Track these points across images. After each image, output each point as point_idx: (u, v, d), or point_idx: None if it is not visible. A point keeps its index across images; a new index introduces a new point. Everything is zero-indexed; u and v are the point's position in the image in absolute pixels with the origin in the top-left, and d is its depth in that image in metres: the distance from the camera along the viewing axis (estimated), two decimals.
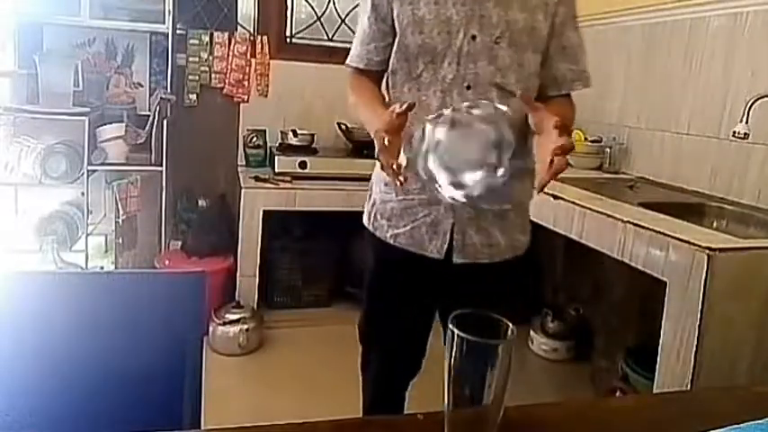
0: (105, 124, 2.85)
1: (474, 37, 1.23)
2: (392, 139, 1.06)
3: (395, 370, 1.56)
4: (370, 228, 1.45)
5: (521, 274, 1.47)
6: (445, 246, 1.33)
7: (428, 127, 1.05)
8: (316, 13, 3.51)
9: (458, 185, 1.06)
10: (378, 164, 1.37)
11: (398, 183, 1.05)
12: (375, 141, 1.09)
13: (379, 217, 1.42)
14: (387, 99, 1.39)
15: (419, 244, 1.35)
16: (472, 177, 1.05)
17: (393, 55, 1.33)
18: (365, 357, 1.60)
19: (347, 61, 1.42)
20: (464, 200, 1.07)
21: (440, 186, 1.06)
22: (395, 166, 1.04)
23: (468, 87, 1.24)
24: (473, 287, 1.33)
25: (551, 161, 1.02)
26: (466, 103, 1.10)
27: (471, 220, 1.32)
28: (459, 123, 1.05)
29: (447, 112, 1.06)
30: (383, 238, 1.41)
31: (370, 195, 1.48)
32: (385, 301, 1.49)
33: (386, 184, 1.40)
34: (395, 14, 1.29)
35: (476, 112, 1.05)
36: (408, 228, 1.36)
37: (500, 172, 1.04)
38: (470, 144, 1.06)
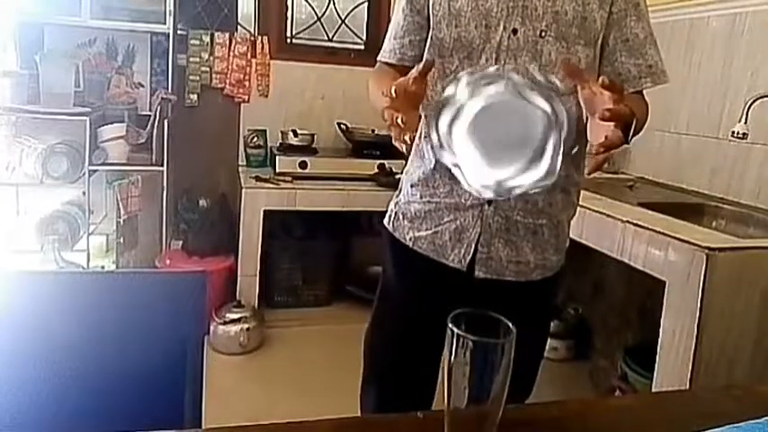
0: (106, 124, 2.85)
1: (515, 31, 1.12)
2: (404, 98, 0.93)
3: (401, 393, 1.36)
4: (390, 227, 1.34)
5: (548, 297, 1.35)
6: (468, 257, 1.21)
7: (464, 81, 0.78)
8: (316, 13, 3.52)
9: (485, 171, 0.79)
10: (409, 165, 1.33)
11: (404, 144, 0.92)
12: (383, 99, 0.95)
13: (401, 217, 1.32)
14: None
15: (440, 251, 1.24)
16: (512, 165, 0.76)
17: (426, 50, 1.23)
18: (366, 374, 1.44)
19: (378, 57, 1.32)
20: (485, 190, 0.78)
21: (459, 165, 0.80)
22: (400, 121, 0.90)
23: None
24: (493, 308, 1.12)
25: (606, 136, 0.87)
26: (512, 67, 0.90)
27: (500, 231, 1.20)
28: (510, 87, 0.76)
29: (492, 69, 0.80)
30: (402, 239, 1.30)
31: (397, 195, 1.37)
32: (397, 307, 1.37)
33: (412, 186, 1.29)
34: (431, 6, 1.20)
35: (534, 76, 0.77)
36: (431, 232, 1.25)
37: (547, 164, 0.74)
38: (521, 119, 0.76)
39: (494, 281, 1.23)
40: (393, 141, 0.96)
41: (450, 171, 1.12)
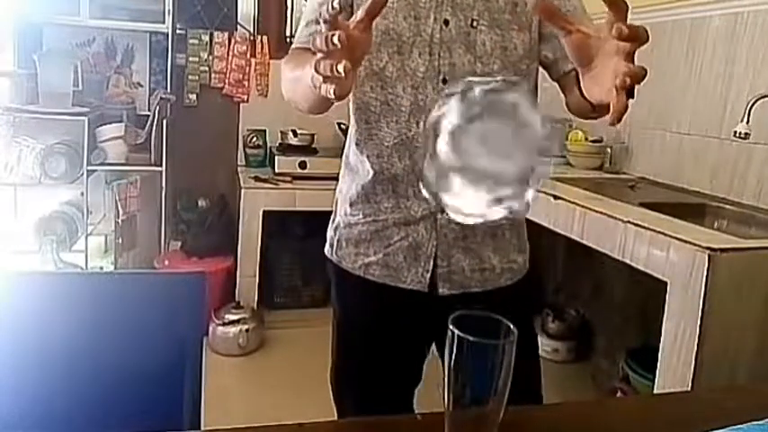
0: (105, 124, 2.85)
1: (446, 22, 1.05)
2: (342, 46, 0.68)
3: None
4: (334, 258, 1.21)
5: (522, 302, 1.23)
6: (428, 274, 1.11)
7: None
8: None
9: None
10: (341, 182, 1.22)
11: (331, 92, 0.70)
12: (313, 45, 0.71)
13: (344, 244, 1.19)
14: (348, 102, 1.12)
15: (395, 274, 1.12)
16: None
17: None
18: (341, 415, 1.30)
19: (293, 45, 1.14)
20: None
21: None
22: (337, 39, 0.68)
23: (445, 81, 1.05)
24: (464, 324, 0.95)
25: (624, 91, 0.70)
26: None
27: (458, 240, 1.10)
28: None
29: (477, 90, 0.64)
30: (350, 269, 1.18)
31: (333, 219, 1.24)
32: (359, 352, 1.24)
33: (351, 204, 1.17)
34: None
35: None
36: (381, 255, 1.13)
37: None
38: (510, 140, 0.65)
39: (460, 296, 1.11)
40: (319, 86, 0.72)
41: (391, 182, 1.06)
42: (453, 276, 1.12)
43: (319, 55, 0.70)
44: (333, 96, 0.71)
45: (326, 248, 1.24)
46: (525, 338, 1.25)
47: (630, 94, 0.71)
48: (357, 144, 1.14)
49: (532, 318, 1.35)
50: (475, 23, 1.05)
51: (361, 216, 1.15)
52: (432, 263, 1.11)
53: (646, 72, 0.69)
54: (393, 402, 1.21)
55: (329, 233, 1.24)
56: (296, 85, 0.98)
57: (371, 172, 1.11)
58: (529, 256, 1.23)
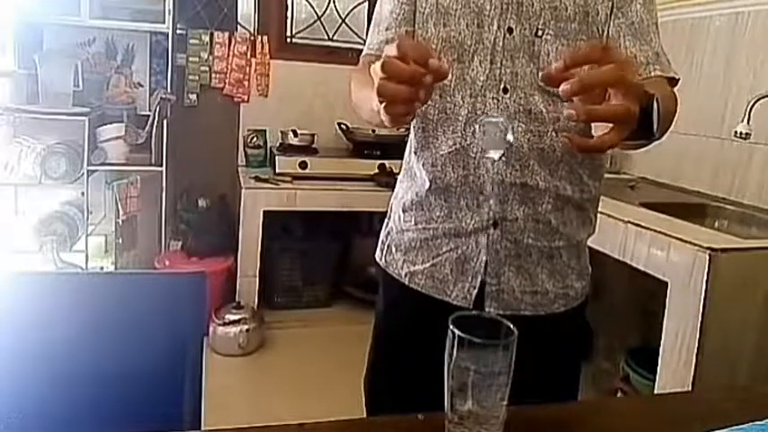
0: (105, 124, 2.84)
1: (510, 30, 1.01)
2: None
3: None
4: (382, 262, 1.19)
5: (575, 330, 1.18)
6: (474, 291, 1.05)
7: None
8: (316, 12, 3.51)
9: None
10: (398, 186, 1.19)
11: (387, 121, 0.76)
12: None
13: (393, 249, 1.16)
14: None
15: (441, 286, 1.08)
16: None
17: None
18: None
19: (364, 53, 1.14)
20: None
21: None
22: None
23: (506, 90, 1.02)
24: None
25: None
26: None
27: (510, 257, 1.04)
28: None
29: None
30: (396, 276, 1.14)
31: (387, 224, 1.21)
32: (395, 358, 1.20)
33: (404, 210, 1.14)
34: (417, 1, 1.08)
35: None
36: (428, 264, 1.09)
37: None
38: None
39: (508, 317, 1.07)
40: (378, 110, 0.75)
41: (444, 192, 1.07)
42: (502, 296, 1.06)
43: (382, 75, 0.71)
44: (389, 125, 0.76)
45: (377, 253, 1.21)
46: (566, 376, 1.20)
47: (638, 137, 0.76)
48: (415, 152, 1.12)
49: (580, 353, 1.28)
50: (540, 33, 1.01)
51: (412, 223, 1.12)
52: (480, 279, 1.05)
53: (622, 110, 0.72)
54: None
55: (381, 237, 1.21)
56: (363, 103, 0.98)
57: (427, 181, 1.08)
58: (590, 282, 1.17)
